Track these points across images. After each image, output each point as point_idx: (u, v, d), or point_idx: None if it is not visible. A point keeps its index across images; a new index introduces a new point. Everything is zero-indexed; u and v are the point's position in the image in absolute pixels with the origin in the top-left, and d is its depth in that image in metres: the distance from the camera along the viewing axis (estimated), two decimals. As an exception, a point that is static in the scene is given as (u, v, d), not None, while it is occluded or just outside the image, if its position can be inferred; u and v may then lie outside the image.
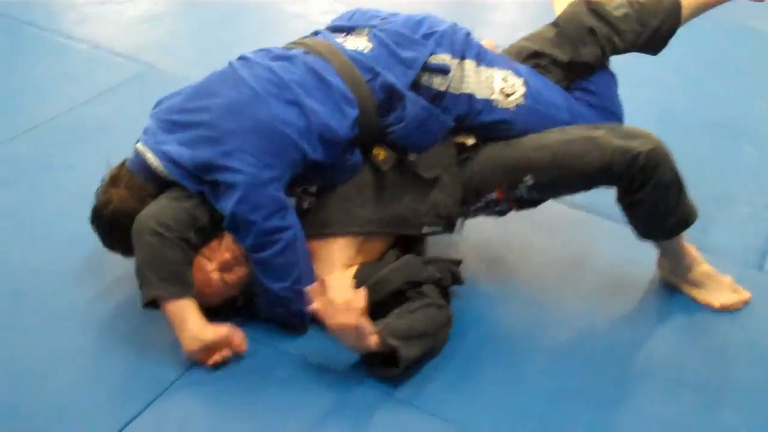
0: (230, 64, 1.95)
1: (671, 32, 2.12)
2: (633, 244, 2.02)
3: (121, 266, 1.95)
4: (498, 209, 2.01)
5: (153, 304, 1.78)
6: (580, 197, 2.09)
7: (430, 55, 1.95)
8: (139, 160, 1.87)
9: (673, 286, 2.07)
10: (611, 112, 2.07)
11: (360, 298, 1.70)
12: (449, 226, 1.99)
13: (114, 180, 1.89)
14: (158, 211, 1.79)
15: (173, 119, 1.88)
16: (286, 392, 1.75)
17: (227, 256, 1.82)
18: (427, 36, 1.98)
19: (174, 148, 1.83)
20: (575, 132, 1.93)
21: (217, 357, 1.78)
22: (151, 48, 3.06)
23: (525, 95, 1.98)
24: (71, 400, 1.71)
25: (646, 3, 2.10)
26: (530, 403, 1.75)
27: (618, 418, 1.74)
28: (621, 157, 1.82)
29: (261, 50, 2.00)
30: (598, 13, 2.07)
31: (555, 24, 2.11)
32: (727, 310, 2.00)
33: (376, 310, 1.79)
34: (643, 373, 1.85)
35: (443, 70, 1.94)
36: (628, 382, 1.83)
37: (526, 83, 1.99)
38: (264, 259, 1.81)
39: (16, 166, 2.40)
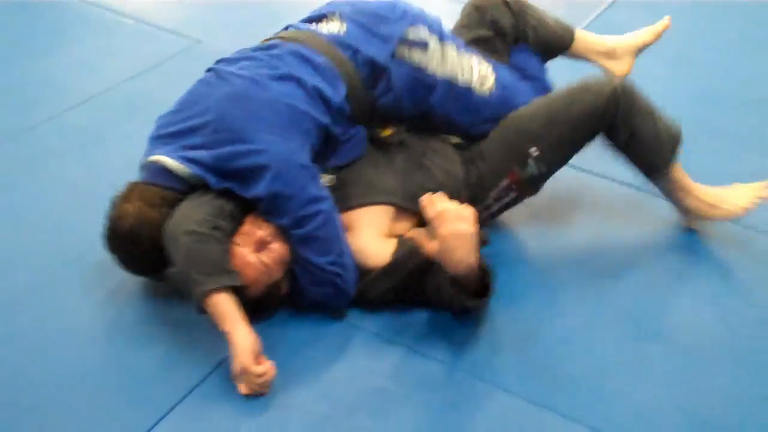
0: (210, 69, 1.98)
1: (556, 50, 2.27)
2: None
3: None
4: (514, 197, 2.06)
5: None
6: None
7: (408, 27, 2.02)
8: (155, 169, 1.86)
9: (704, 221, 2.15)
10: (543, 88, 2.20)
11: (470, 209, 1.73)
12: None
13: (125, 197, 1.86)
14: (184, 213, 1.78)
15: (171, 131, 1.89)
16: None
17: (259, 234, 1.81)
18: (403, 15, 2.06)
19: (188, 152, 1.84)
20: (552, 96, 2.07)
21: (248, 387, 1.71)
22: (196, 23, 3.13)
23: (495, 82, 2.09)
24: (101, 399, 1.72)
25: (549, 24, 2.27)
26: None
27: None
28: (604, 94, 1.97)
29: (237, 50, 2.04)
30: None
31: (474, 7, 2.22)
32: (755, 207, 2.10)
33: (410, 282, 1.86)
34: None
35: (422, 44, 2.02)
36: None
37: (494, 70, 2.10)
38: (306, 235, 1.82)
39: (70, 137, 2.48)
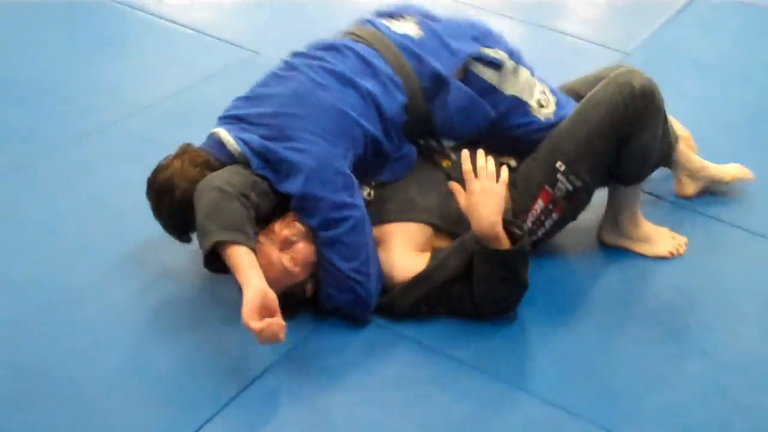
0: (284, 61, 2.08)
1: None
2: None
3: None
4: (558, 218, 2.05)
5: (212, 263, 1.82)
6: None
7: (483, 47, 2.06)
8: (212, 140, 1.99)
9: (618, 247, 2.19)
10: None
11: (505, 173, 1.83)
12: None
13: (176, 154, 1.98)
14: (219, 174, 1.86)
15: (237, 114, 2.00)
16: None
17: (286, 233, 1.86)
18: (484, 35, 2.11)
19: (244, 133, 1.94)
20: (576, 108, 2.07)
21: (266, 329, 1.70)
22: (254, 35, 3.21)
23: (555, 112, 2.10)
24: (151, 396, 1.78)
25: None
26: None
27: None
28: (623, 97, 1.95)
29: (310, 43, 2.12)
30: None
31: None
32: (674, 257, 2.17)
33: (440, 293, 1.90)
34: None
35: (496, 64, 2.05)
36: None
37: (557, 103, 2.12)
38: (333, 238, 1.86)
39: (132, 142, 2.57)
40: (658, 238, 2.19)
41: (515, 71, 2.09)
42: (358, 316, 1.94)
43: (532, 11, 3.51)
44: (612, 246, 2.20)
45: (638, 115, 1.96)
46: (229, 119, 2.02)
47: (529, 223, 2.04)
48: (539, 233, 2.07)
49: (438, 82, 2.03)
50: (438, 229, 2.01)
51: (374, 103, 1.97)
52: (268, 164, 1.89)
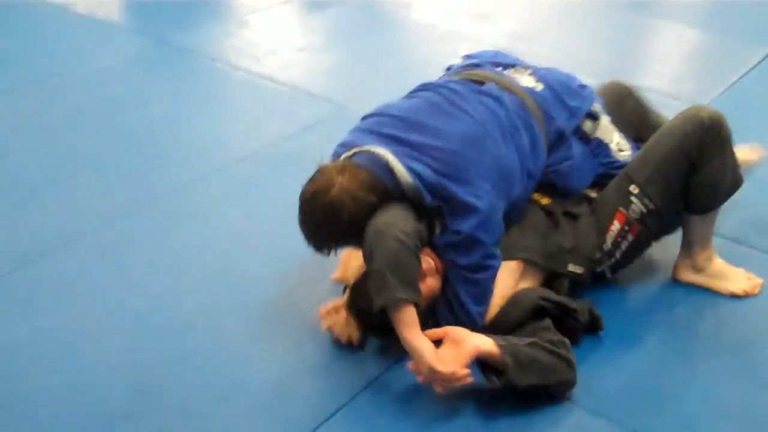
0: (439, 93, 2.08)
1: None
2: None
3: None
4: (633, 240, 2.14)
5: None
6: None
7: (592, 103, 2.21)
8: (374, 159, 1.94)
9: (693, 284, 2.26)
10: None
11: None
12: (592, 271, 2.16)
13: (338, 169, 1.93)
14: (395, 219, 1.86)
15: (394, 134, 1.98)
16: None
17: (424, 266, 1.92)
18: (582, 87, 2.24)
19: (414, 162, 1.93)
20: (648, 140, 2.20)
21: (441, 385, 1.85)
22: (343, 90, 3.42)
23: (631, 155, 2.26)
24: (255, 415, 1.93)
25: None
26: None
27: None
28: (692, 125, 2.08)
29: (459, 82, 2.12)
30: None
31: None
32: (748, 296, 2.22)
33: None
34: None
35: (595, 117, 2.21)
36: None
37: (632, 148, 2.28)
38: (479, 280, 1.96)
39: (236, 187, 2.78)
40: (733, 276, 2.25)
41: (603, 119, 2.26)
42: None
43: (611, 66, 3.65)
44: (686, 282, 2.28)
45: (707, 142, 2.07)
46: (382, 137, 1.99)
47: (608, 243, 2.15)
48: (617, 255, 2.17)
49: (561, 139, 2.15)
50: (534, 265, 2.10)
51: (525, 163, 2.05)
52: (440, 199, 1.93)
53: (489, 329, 1.98)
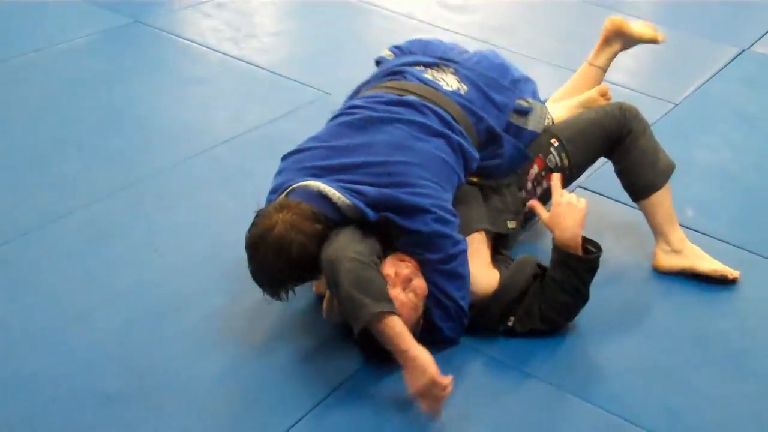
0: (353, 114, 2.11)
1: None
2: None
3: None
4: (546, 187, 2.30)
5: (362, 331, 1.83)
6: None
7: (518, 99, 2.29)
8: (309, 192, 1.95)
9: (675, 269, 2.35)
10: None
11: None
12: (522, 221, 2.35)
13: (277, 208, 1.94)
14: (345, 244, 1.87)
15: (322, 165, 2.02)
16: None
17: (405, 272, 1.94)
18: (513, 82, 2.32)
19: (349, 185, 1.96)
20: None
21: (430, 402, 1.84)
22: (324, 77, 3.42)
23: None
24: (254, 393, 1.96)
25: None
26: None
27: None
28: (611, 106, 2.39)
29: (371, 96, 2.17)
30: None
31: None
32: (734, 279, 2.33)
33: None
34: None
35: (525, 112, 2.31)
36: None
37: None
38: (452, 270, 1.99)
39: (220, 170, 2.78)
40: (709, 257, 2.35)
41: (542, 110, 2.35)
42: (453, 340, 2.07)
43: (583, 60, 3.72)
44: (669, 269, 2.36)
45: (625, 117, 2.33)
46: (314, 170, 2.02)
47: (528, 185, 2.34)
48: (538, 192, 2.35)
49: (492, 136, 2.23)
50: (488, 232, 2.20)
51: (462, 153, 2.12)
52: (386, 209, 1.95)
53: (495, 299, 2.08)
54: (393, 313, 1.82)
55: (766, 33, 4.09)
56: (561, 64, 3.57)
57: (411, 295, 1.94)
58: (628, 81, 3.53)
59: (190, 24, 3.83)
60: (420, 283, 1.97)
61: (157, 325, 2.14)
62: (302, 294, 2.20)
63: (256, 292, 2.22)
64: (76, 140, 2.90)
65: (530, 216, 2.36)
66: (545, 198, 2.32)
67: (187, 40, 3.67)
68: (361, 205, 1.94)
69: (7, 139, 2.89)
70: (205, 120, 3.09)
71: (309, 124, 3.05)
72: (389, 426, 1.90)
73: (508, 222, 2.28)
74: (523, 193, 2.34)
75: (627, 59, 3.88)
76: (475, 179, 2.26)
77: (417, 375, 1.81)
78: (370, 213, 1.95)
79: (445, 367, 1.87)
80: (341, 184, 1.97)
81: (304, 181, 2.00)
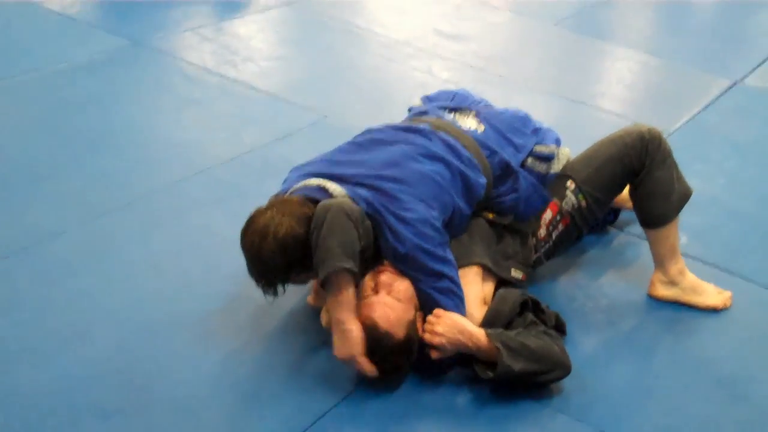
0: (364, 135, 2.24)
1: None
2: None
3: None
4: (563, 230, 2.29)
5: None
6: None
7: (537, 143, 2.31)
8: (309, 187, 2.06)
9: (668, 299, 2.36)
10: None
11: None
12: (528, 273, 2.29)
13: (269, 204, 2.04)
14: (344, 202, 1.97)
15: (321, 173, 2.11)
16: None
17: (382, 278, 2.00)
18: (535, 131, 2.35)
19: (344, 185, 2.05)
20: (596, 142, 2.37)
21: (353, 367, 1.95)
22: (323, 100, 3.45)
23: None
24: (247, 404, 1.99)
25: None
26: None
27: None
28: (632, 136, 2.27)
29: (387, 124, 2.28)
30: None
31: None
32: (724, 308, 2.34)
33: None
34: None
35: (548, 158, 2.31)
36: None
37: None
38: (448, 286, 2.02)
39: (217, 191, 2.79)
40: (705, 291, 2.37)
41: (562, 154, 2.35)
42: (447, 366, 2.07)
43: (578, 90, 3.77)
44: (662, 298, 2.38)
45: (646, 150, 2.25)
46: (316, 174, 2.12)
47: (542, 230, 2.30)
48: (550, 242, 2.31)
49: (506, 171, 2.26)
50: (487, 270, 2.19)
51: (463, 179, 2.15)
52: (375, 213, 2.01)
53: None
54: (354, 276, 1.89)
55: (758, 66, 4.16)
56: (555, 92, 3.62)
57: (395, 297, 1.97)
58: (623, 110, 3.57)
59: (189, 47, 3.86)
60: (402, 285, 2.00)
61: (153, 342, 2.14)
62: (297, 308, 2.21)
63: (251, 309, 2.24)
64: (74, 159, 2.91)
65: (538, 258, 2.32)
66: (560, 243, 2.33)
67: (186, 62, 3.70)
68: (357, 197, 2.01)
69: (4, 157, 2.90)
70: (203, 141, 3.11)
71: (306, 146, 3.10)
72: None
73: (513, 269, 2.25)
74: (536, 239, 2.31)
75: (621, 89, 3.95)
76: (491, 215, 2.28)
77: (343, 345, 1.93)
78: (364, 205, 2.01)
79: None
80: (341, 185, 2.06)
81: (305, 180, 2.10)
